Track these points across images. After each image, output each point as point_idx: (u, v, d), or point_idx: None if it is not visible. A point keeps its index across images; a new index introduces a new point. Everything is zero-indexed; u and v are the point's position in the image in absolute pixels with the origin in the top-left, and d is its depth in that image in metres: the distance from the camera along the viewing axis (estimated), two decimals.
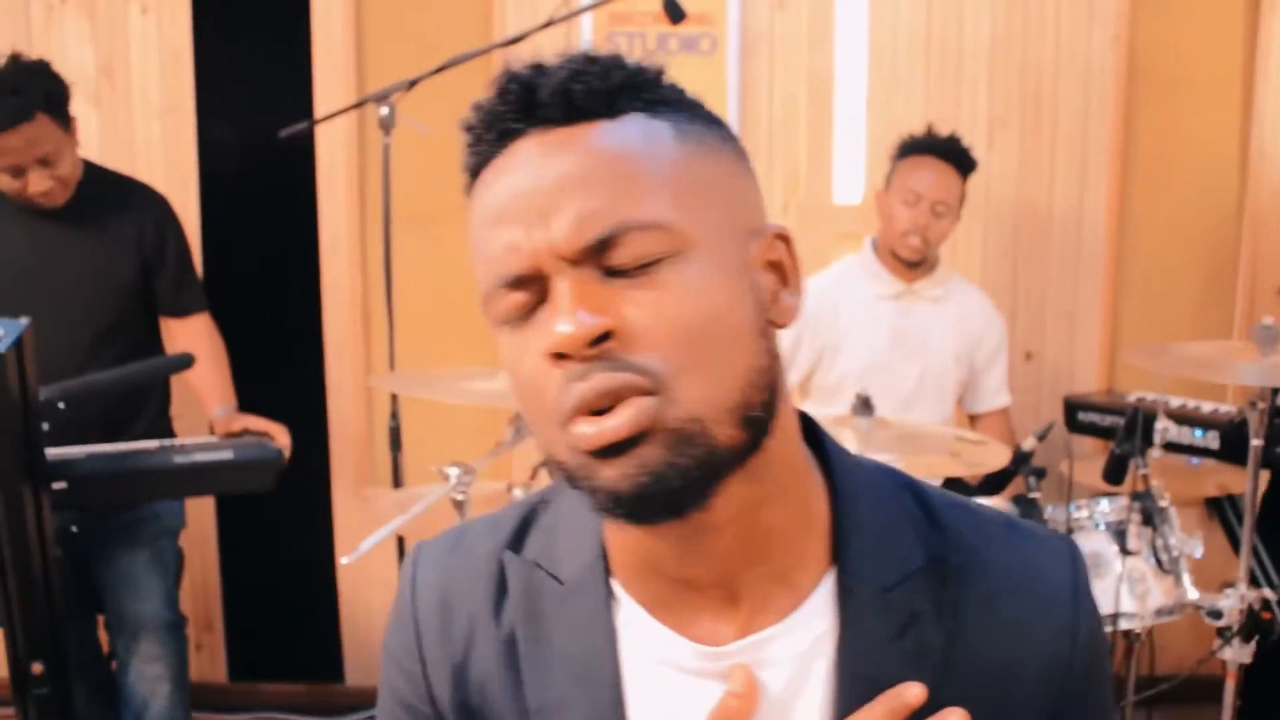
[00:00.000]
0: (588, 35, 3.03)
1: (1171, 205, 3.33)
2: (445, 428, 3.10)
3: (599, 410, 0.70)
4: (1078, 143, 3.22)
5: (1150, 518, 2.02)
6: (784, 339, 0.79)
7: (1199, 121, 3.30)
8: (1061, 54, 3.18)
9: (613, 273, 0.71)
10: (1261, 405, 2.01)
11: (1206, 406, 2.84)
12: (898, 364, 2.74)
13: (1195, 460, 2.54)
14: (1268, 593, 2.08)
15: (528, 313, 0.73)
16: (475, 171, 0.76)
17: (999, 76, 3.17)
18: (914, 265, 2.72)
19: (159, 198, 2.72)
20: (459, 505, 1.81)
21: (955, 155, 2.72)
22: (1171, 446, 2.74)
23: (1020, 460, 2.04)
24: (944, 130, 2.81)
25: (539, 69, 0.75)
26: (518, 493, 1.83)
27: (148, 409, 2.68)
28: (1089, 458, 3.04)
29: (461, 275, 3.20)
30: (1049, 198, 3.24)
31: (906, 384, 2.74)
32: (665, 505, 0.71)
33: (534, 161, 0.73)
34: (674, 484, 0.70)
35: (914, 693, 0.76)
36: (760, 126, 3.13)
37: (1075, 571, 0.84)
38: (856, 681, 0.77)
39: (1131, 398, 2.97)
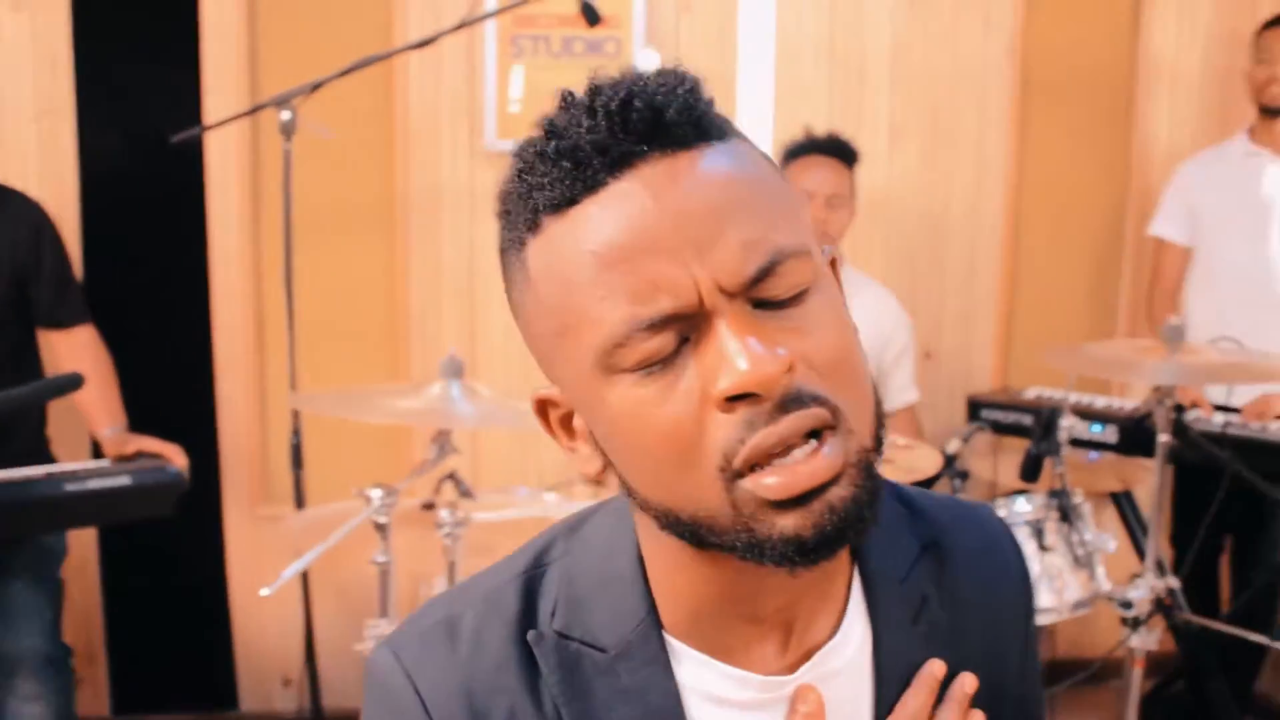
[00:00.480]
0: (492, 39, 2.97)
1: (1062, 209, 3.43)
2: (345, 444, 3.00)
3: (777, 454, 0.66)
4: (974, 148, 3.30)
5: (1066, 514, 2.06)
6: None
7: (1087, 128, 3.41)
8: (959, 63, 3.24)
9: (762, 304, 0.68)
10: (1169, 402, 2.08)
11: (1100, 401, 2.93)
12: None
13: (1094, 455, 2.61)
14: (1173, 581, 2.15)
15: (669, 356, 0.67)
16: (567, 202, 0.68)
17: (900, 84, 3.22)
18: None
19: (33, 204, 2.56)
20: (381, 528, 1.74)
21: (838, 149, 2.75)
22: (1071, 441, 2.83)
23: (946, 463, 2.06)
24: (847, 134, 2.84)
25: (637, 87, 0.69)
26: (445, 514, 1.76)
27: (22, 430, 2.51)
28: (986, 455, 3.11)
29: (366, 286, 3.09)
30: (947, 201, 3.31)
31: None
32: (840, 543, 0.68)
33: (675, 188, 0.67)
34: (854, 521, 0.68)
35: (938, 668, 0.81)
36: None
37: (1008, 528, 0.95)
38: (893, 672, 0.81)
39: (1029, 394, 3.05)
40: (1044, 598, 2.02)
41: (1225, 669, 2.71)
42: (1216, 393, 2.81)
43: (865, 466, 0.68)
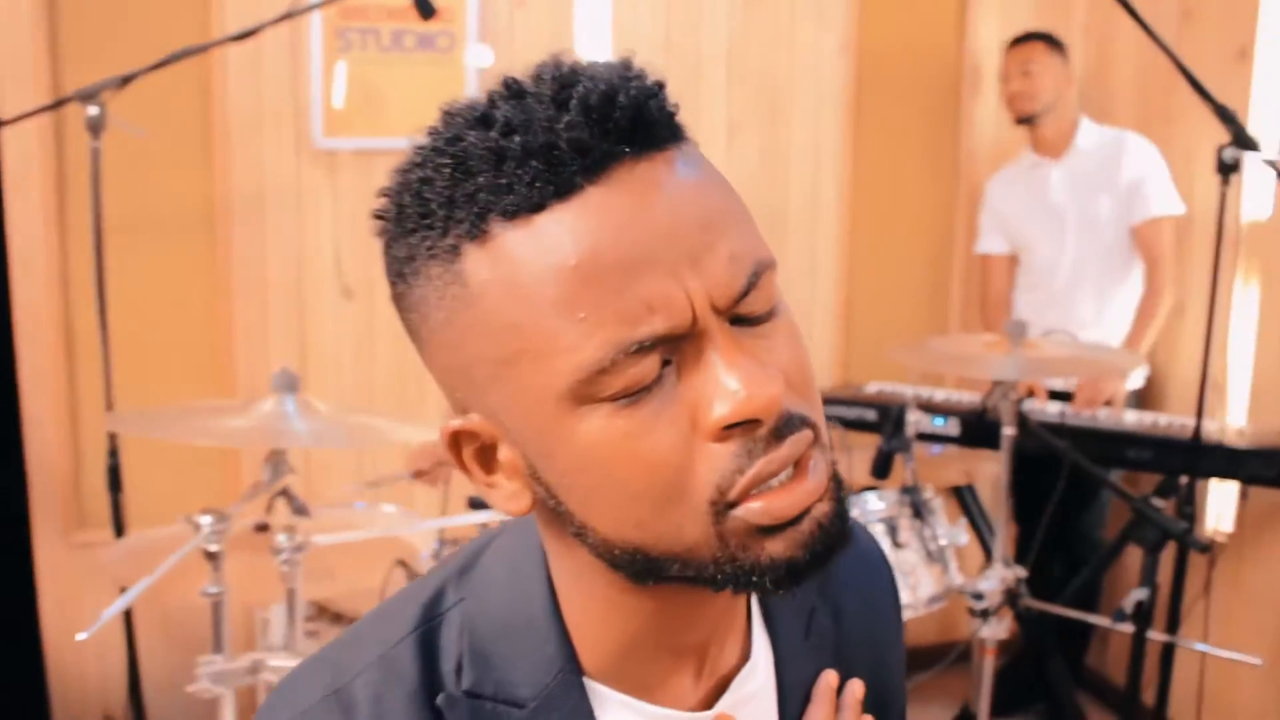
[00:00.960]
0: (317, 31, 2.83)
1: (897, 205, 3.50)
2: (168, 464, 2.81)
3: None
4: (811, 145, 3.32)
5: (919, 510, 2.08)
6: None
7: (919, 126, 3.48)
8: (795, 60, 3.26)
9: (739, 321, 0.63)
10: (1012, 395, 2.12)
11: (940, 395, 3.00)
12: None
13: (936, 448, 2.66)
14: (1020, 571, 2.20)
15: (652, 383, 0.61)
16: (531, 208, 0.60)
17: (737, 81, 3.22)
18: None
19: None
20: (212, 557, 1.60)
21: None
22: (915, 435, 2.88)
23: None
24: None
25: (617, 80, 0.61)
26: (282, 539, 1.64)
27: None
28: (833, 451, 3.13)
29: (186, 295, 2.89)
30: (785, 199, 3.33)
31: None
32: (830, 560, 0.64)
33: (662, 194, 0.61)
34: (839, 535, 0.65)
35: (832, 678, 0.80)
36: None
37: (873, 535, 0.95)
38: (795, 690, 0.79)
39: (870, 389, 3.09)
40: (901, 595, 2.03)
41: (1060, 646, 2.80)
42: (1051, 379, 2.92)
43: (837, 478, 0.65)
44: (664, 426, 0.60)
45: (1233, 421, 2.90)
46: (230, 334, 2.91)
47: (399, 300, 0.68)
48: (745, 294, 0.62)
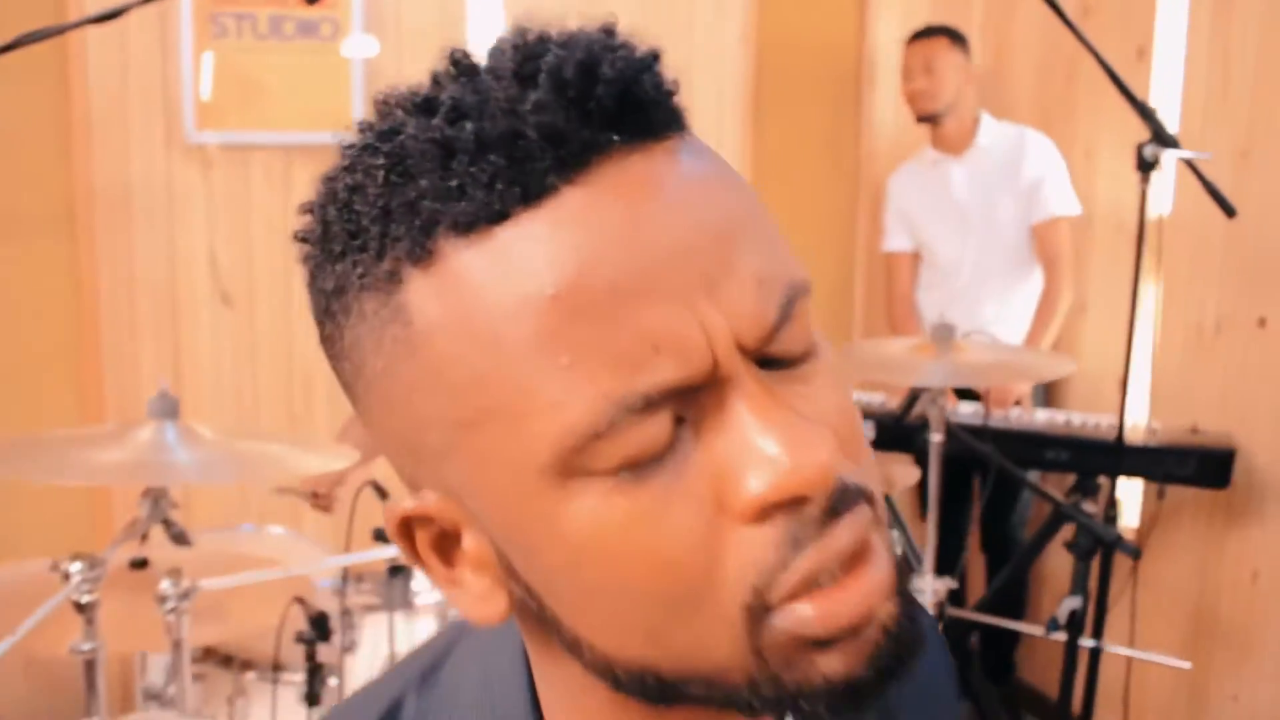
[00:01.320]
0: (187, 16, 2.60)
1: (797, 203, 3.42)
2: (24, 499, 2.55)
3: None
4: (714, 138, 3.21)
5: None
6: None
7: (820, 120, 3.41)
8: (696, 51, 3.16)
9: (769, 363, 0.47)
10: (941, 401, 2.04)
11: (860, 398, 2.93)
12: None
13: None
14: (950, 582, 2.13)
15: (663, 450, 0.45)
16: (492, 218, 0.44)
17: None
18: None
19: None
20: (85, 609, 1.41)
21: None
22: None
23: None
24: None
25: (595, 48, 0.46)
26: (166, 585, 1.45)
27: None
28: None
29: (45, 303, 2.64)
30: None
31: None
32: (899, 674, 0.48)
33: (662, 197, 0.45)
34: (908, 642, 0.48)
35: None
36: None
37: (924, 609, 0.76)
38: None
39: None
40: None
41: (983, 648, 2.76)
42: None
43: (899, 565, 0.49)
44: (680, 507, 0.45)
45: (1137, 420, 2.91)
46: (96, 347, 2.67)
47: (327, 345, 0.51)
48: (778, 327, 0.47)
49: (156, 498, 1.46)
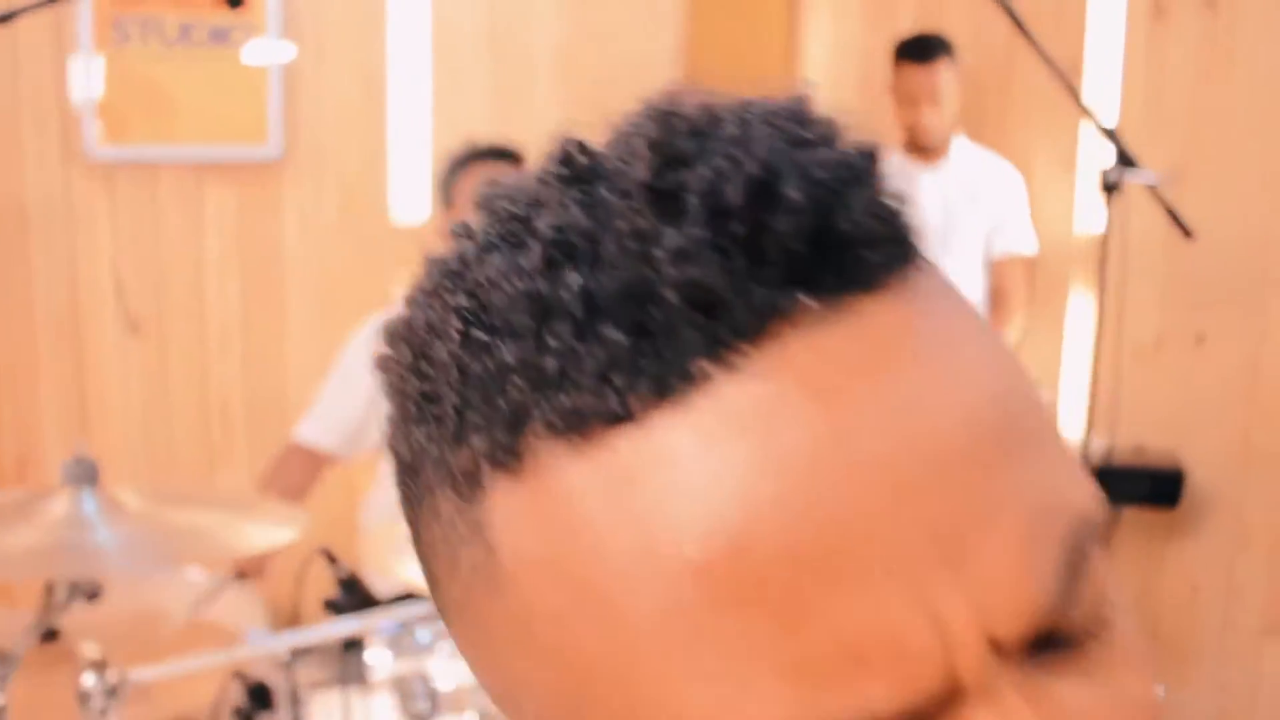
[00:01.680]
0: (87, 20, 2.40)
1: None
2: None
3: None
4: None
5: None
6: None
7: None
8: (627, 61, 3.05)
9: (1047, 645, 0.29)
10: None
11: None
12: None
13: None
14: None
15: None
16: (611, 416, 0.28)
17: (571, 82, 2.98)
18: None
19: None
20: None
21: (511, 155, 2.48)
22: None
23: None
24: (515, 135, 2.56)
25: (759, 152, 0.29)
26: (89, 680, 1.29)
27: None
28: None
29: None
30: None
31: None
32: None
33: (880, 397, 0.28)
34: None
35: None
36: (306, 135, 2.69)
37: None
38: None
39: None
40: None
41: None
42: None
43: None
44: None
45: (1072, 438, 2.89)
46: None
47: (407, 521, 0.36)
48: (1059, 605, 0.29)
49: (75, 587, 1.30)
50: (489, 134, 2.80)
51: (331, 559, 1.47)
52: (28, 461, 2.48)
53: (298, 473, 2.31)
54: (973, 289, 2.99)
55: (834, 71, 3.35)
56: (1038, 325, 3.05)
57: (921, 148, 2.88)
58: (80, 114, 2.44)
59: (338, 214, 2.73)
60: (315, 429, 2.34)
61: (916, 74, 2.81)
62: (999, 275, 2.90)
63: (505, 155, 2.46)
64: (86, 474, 1.30)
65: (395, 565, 1.48)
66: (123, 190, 2.52)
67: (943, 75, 2.79)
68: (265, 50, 2.59)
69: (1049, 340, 3.08)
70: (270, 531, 1.28)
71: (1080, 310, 3.02)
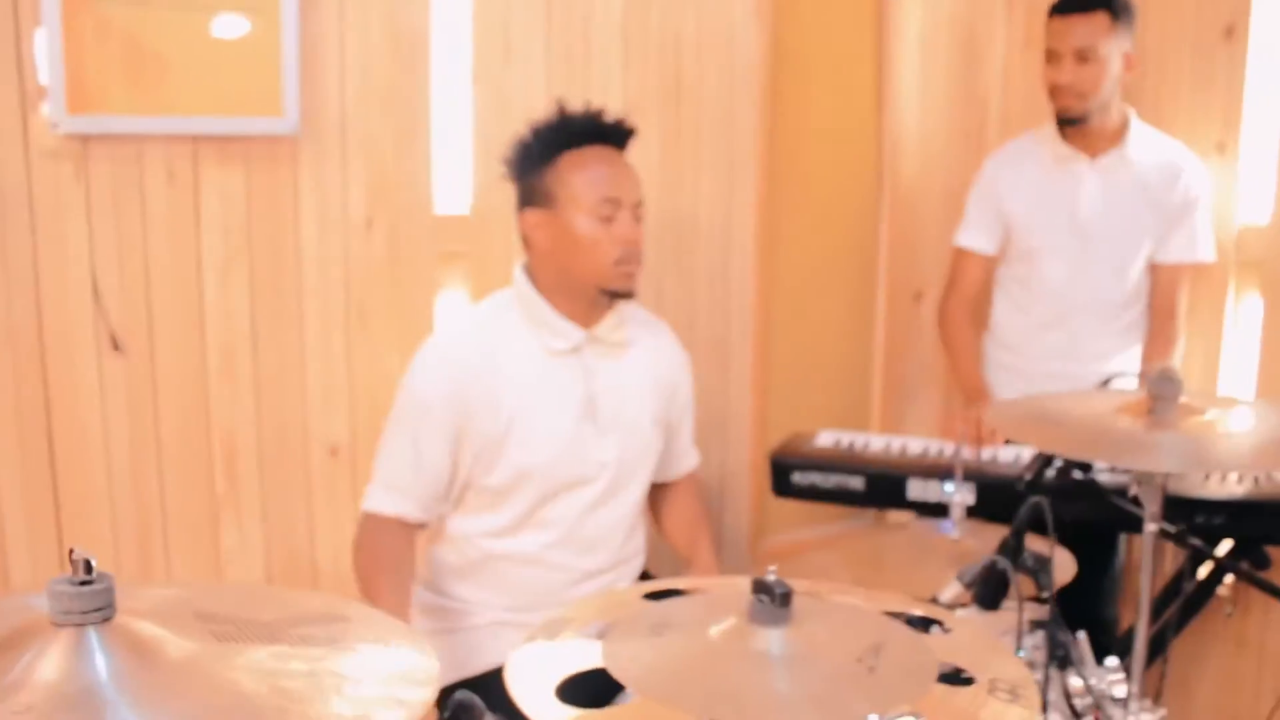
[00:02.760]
0: None
1: (814, 206, 2.87)
2: None
3: None
4: (723, 131, 2.63)
5: (1065, 655, 1.42)
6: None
7: (838, 106, 2.87)
8: (703, 26, 2.56)
9: None
10: (1158, 478, 1.49)
11: (934, 446, 2.38)
12: (589, 446, 1.94)
13: (947, 525, 2.03)
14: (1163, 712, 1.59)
15: None
16: None
17: (635, 50, 2.48)
18: (625, 298, 1.94)
19: None
20: None
21: (620, 132, 1.97)
22: (919, 507, 2.25)
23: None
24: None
25: None
26: None
27: None
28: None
29: None
30: (695, 198, 2.63)
31: (602, 473, 1.96)
32: None
33: None
34: None
35: None
36: (330, 110, 2.17)
37: None
38: None
39: (824, 439, 2.43)
40: None
41: None
42: None
43: None
44: None
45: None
46: None
47: None
48: None
49: None
50: (541, 112, 2.30)
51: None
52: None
53: (400, 542, 1.84)
54: (1139, 298, 2.52)
55: (928, 29, 2.88)
56: (1192, 331, 2.60)
57: (1066, 119, 2.42)
58: (44, 77, 1.91)
59: (366, 203, 2.21)
60: (394, 497, 1.86)
61: (1066, 26, 2.36)
62: (1169, 282, 2.45)
63: (613, 134, 1.96)
64: (101, 598, 0.77)
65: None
66: (99, 168, 1.99)
67: (1098, 31, 2.33)
68: (282, 12, 2.07)
69: (1205, 349, 2.63)
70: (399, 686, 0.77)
71: (1246, 314, 2.58)
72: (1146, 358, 2.51)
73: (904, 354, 3.04)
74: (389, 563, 1.84)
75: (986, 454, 2.31)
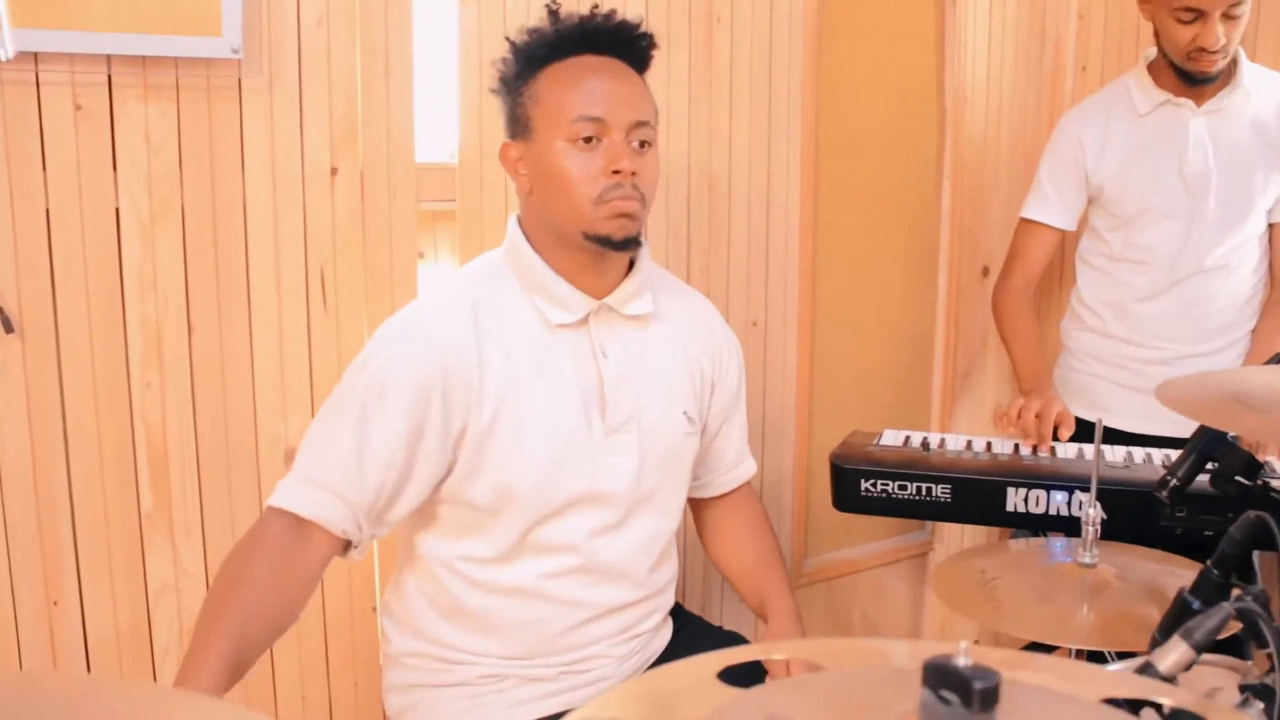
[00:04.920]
0: None
1: (866, 166, 2.44)
2: None
3: None
4: (762, 71, 2.21)
5: None
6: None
7: (893, 50, 2.44)
8: None
9: None
10: None
11: (1024, 448, 1.95)
12: (598, 449, 1.50)
13: (1058, 545, 1.60)
14: None
15: None
16: None
17: None
18: (618, 248, 1.48)
19: None
20: None
21: (639, 39, 1.53)
22: (1020, 520, 1.81)
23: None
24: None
25: None
26: None
27: None
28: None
29: None
30: (728, 153, 2.20)
31: (616, 483, 1.51)
32: None
33: None
34: None
35: None
36: (283, 30, 1.74)
37: None
38: None
39: (889, 438, 2.00)
40: None
41: None
42: None
43: None
44: None
45: None
46: None
47: None
48: None
49: None
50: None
51: None
52: None
53: (295, 558, 1.37)
54: (1262, 259, 2.12)
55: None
56: None
57: (1202, 81, 2.02)
58: None
59: (330, 147, 1.78)
60: (312, 493, 1.40)
61: None
62: None
63: (609, 39, 1.52)
64: None
65: None
66: (10, 92, 1.56)
67: None
68: None
69: None
70: None
71: None
72: (1265, 333, 2.11)
73: (969, 339, 2.62)
74: (254, 594, 1.30)
75: (1043, 453, 1.92)
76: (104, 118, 1.63)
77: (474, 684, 1.50)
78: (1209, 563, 1.08)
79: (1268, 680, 0.98)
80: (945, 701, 0.59)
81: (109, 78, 1.62)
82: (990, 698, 0.58)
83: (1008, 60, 2.54)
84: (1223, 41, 1.95)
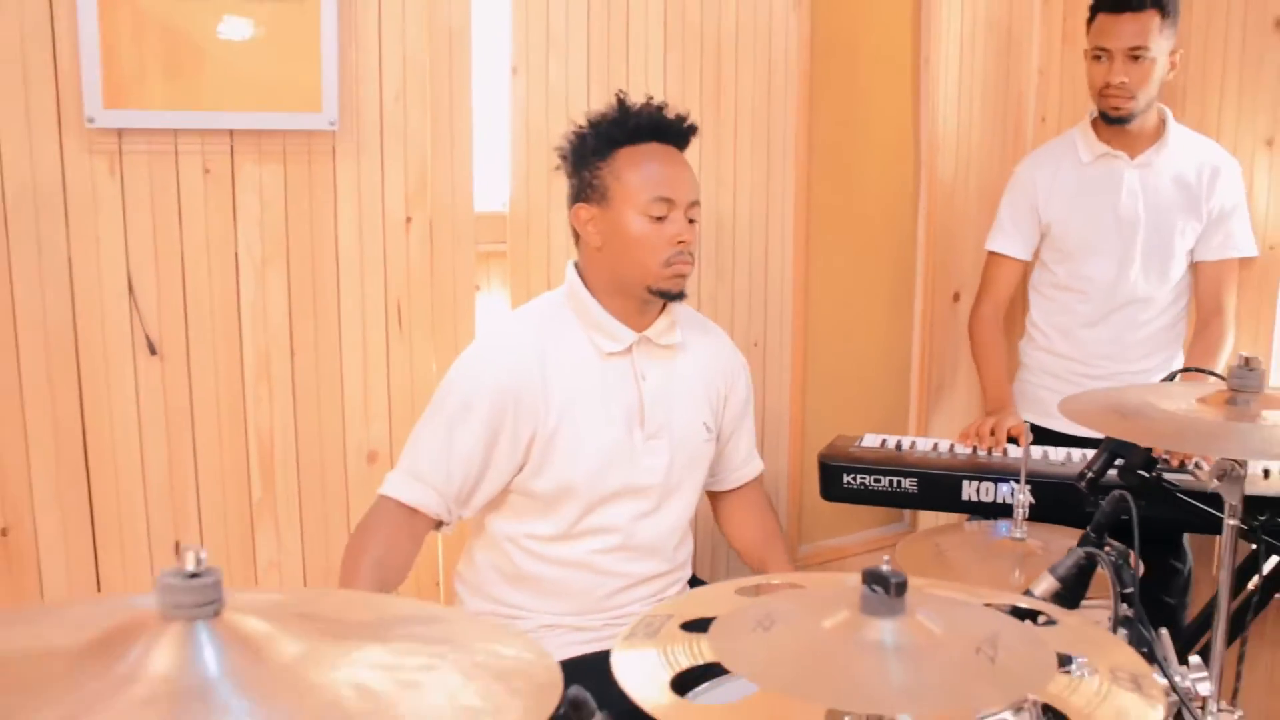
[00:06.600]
0: None
1: (852, 203, 2.82)
2: None
3: None
4: (761, 125, 2.59)
5: (1149, 653, 1.37)
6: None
7: (876, 102, 2.82)
8: (743, 19, 2.52)
9: None
10: (1237, 471, 1.45)
11: (981, 449, 2.33)
12: (638, 453, 1.89)
13: (1004, 527, 1.98)
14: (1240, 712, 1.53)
15: None
16: None
17: (674, 43, 2.44)
18: (674, 299, 1.89)
19: None
20: None
21: (682, 130, 1.93)
22: (973, 508, 2.20)
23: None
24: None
25: None
26: None
27: None
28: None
29: None
30: (733, 193, 2.58)
31: (651, 480, 1.90)
32: None
33: None
34: None
35: None
36: (368, 105, 2.12)
37: None
38: None
39: (869, 440, 2.38)
40: None
41: None
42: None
43: None
44: None
45: None
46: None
47: None
48: None
49: None
50: (581, 104, 2.27)
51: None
52: (10, 532, 1.89)
53: (403, 532, 1.75)
54: (1180, 296, 2.50)
55: (966, 25, 2.85)
56: (1240, 334, 2.56)
57: (1114, 119, 2.39)
58: (79, 72, 1.86)
59: (405, 200, 2.16)
60: (412, 484, 1.78)
61: (1117, 26, 2.32)
62: (1213, 280, 2.43)
63: (673, 132, 1.90)
64: (207, 593, 0.72)
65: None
66: (136, 167, 1.93)
67: (1150, 31, 2.31)
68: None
69: (1254, 342, 2.58)
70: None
71: None
72: (1193, 355, 2.48)
73: (941, 355, 3.00)
74: (380, 551, 1.72)
75: (996, 453, 2.30)
76: (227, 179, 2.01)
77: (533, 631, 1.88)
78: (1089, 527, 1.46)
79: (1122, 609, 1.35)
80: (874, 591, 0.97)
81: (231, 147, 2.00)
82: (901, 588, 0.96)
83: (975, 112, 2.92)
84: (1123, 79, 2.32)
